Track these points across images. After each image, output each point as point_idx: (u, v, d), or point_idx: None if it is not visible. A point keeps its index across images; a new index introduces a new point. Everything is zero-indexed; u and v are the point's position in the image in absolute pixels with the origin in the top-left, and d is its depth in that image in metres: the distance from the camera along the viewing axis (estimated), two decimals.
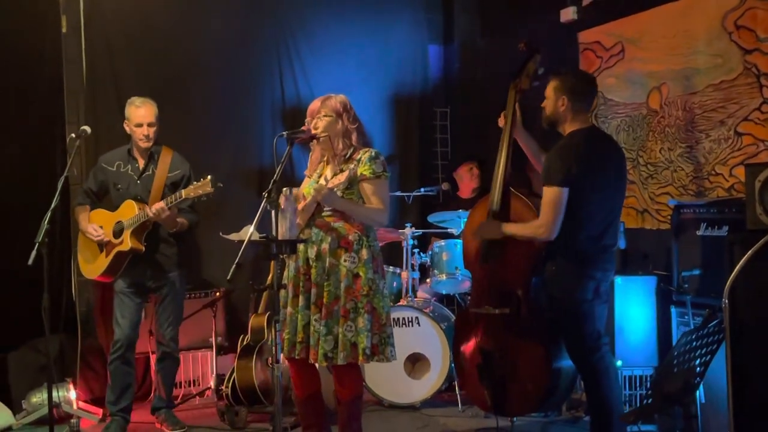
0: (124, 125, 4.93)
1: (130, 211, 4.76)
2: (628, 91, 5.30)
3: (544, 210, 4.00)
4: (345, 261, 3.89)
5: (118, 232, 4.77)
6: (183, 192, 4.59)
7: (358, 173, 3.93)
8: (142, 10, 5.92)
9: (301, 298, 3.94)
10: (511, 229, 4.25)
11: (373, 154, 3.97)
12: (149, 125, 4.87)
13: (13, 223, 5.41)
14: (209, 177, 4.49)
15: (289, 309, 3.98)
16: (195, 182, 4.59)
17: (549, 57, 5.67)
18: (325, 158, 4.09)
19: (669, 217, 4.78)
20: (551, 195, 3.96)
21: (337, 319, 3.86)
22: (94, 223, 4.85)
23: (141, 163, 4.94)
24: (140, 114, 4.86)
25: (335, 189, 3.89)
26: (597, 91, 4.30)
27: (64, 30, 5.68)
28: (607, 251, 4.10)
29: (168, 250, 4.94)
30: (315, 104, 4.03)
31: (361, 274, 3.90)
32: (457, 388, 5.30)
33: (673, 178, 4.99)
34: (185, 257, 5.08)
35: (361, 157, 3.96)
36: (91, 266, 4.92)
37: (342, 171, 3.96)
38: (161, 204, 4.62)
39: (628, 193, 5.15)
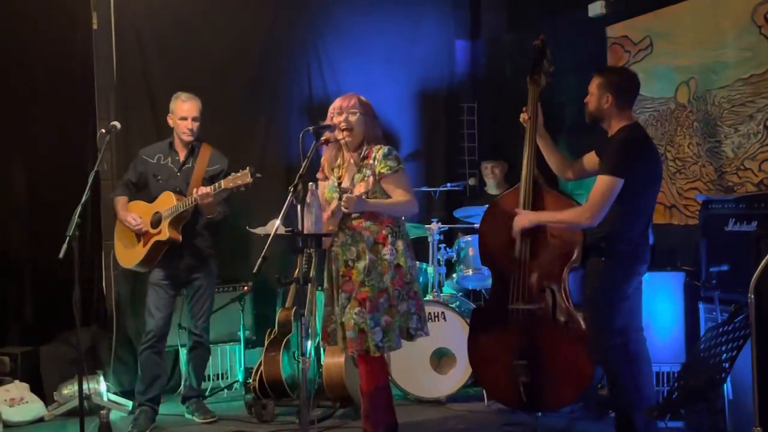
0: (168, 118, 5.04)
1: (168, 202, 4.84)
2: (656, 85, 5.26)
3: (595, 196, 4.01)
4: (385, 255, 4.03)
5: (155, 222, 4.85)
6: (222, 182, 4.65)
7: (377, 172, 4.01)
8: (172, 6, 5.97)
9: (341, 297, 4.06)
10: (544, 216, 4.26)
11: (385, 150, 4.07)
12: (193, 119, 4.98)
13: (45, 217, 5.49)
14: (248, 168, 4.55)
15: (329, 308, 4.19)
16: (234, 173, 4.63)
17: (576, 52, 5.69)
18: (339, 160, 4.15)
19: (697, 213, 4.74)
20: (608, 183, 3.97)
21: (385, 309, 4.00)
22: (134, 213, 4.93)
23: (182, 156, 5.04)
24: (185, 108, 4.98)
25: (363, 195, 3.97)
26: (638, 89, 4.29)
27: (94, 26, 5.74)
28: (648, 243, 4.14)
29: (202, 242, 5.03)
30: (340, 101, 4.09)
31: (401, 264, 4.07)
32: None
33: (701, 173, 4.96)
34: (217, 249, 5.16)
35: (375, 155, 4.05)
36: (129, 253, 4.97)
37: (361, 173, 4.05)
38: (207, 189, 4.69)
39: None
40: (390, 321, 4.00)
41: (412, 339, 4.15)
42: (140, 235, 4.92)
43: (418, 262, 5.67)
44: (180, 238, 4.84)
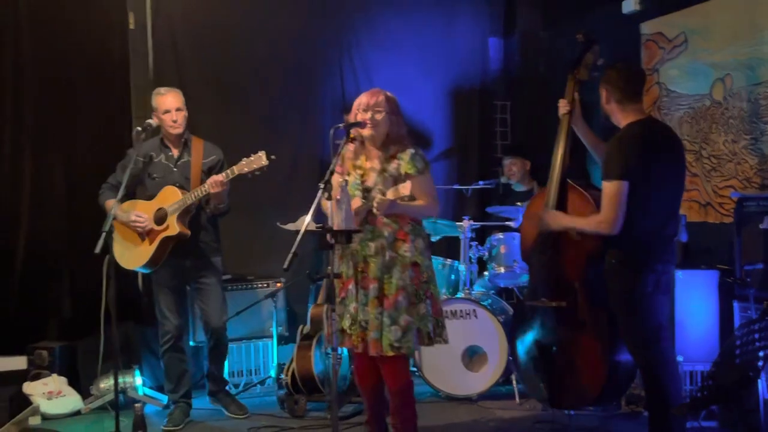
0: (153, 117, 4.94)
1: (172, 196, 4.79)
2: (691, 82, 5.22)
3: (605, 205, 3.95)
4: (405, 252, 3.97)
5: (160, 219, 4.80)
6: (235, 168, 4.63)
7: (402, 172, 3.97)
8: (207, 6, 6.03)
9: (360, 294, 4.01)
10: (571, 222, 4.23)
11: (413, 151, 4.01)
12: (177, 110, 4.90)
13: (83, 213, 5.57)
14: (262, 151, 4.55)
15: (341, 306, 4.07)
16: (246, 158, 4.62)
17: (610, 49, 5.65)
18: (362, 157, 4.12)
19: (732, 210, 4.69)
20: (612, 189, 3.91)
21: (403, 308, 3.92)
22: (136, 211, 4.84)
23: (175, 151, 4.98)
24: (167, 101, 4.90)
25: (397, 199, 3.85)
26: (642, 83, 4.18)
27: (131, 26, 5.81)
28: (667, 242, 4.03)
29: (206, 236, 5.00)
30: (367, 98, 4.01)
31: (419, 262, 4.00)
32: (514, 381, 5.29)
33: (736, 170, 4.90)
34: (222, 244, 5.14)
35: (402, 156, 4.00)
36: (132, 255, 4.87)
37: (385, 173, 3.98)
38: (220, 177, 4.66)
39: (691, 186, 5.10)
40: (409, 321, 3.91)
41: (432, 344, 4.04)
42: (144, 235, 4.84)
43: (449, 260, 5.70)
44: (189, 232, 4.79)
